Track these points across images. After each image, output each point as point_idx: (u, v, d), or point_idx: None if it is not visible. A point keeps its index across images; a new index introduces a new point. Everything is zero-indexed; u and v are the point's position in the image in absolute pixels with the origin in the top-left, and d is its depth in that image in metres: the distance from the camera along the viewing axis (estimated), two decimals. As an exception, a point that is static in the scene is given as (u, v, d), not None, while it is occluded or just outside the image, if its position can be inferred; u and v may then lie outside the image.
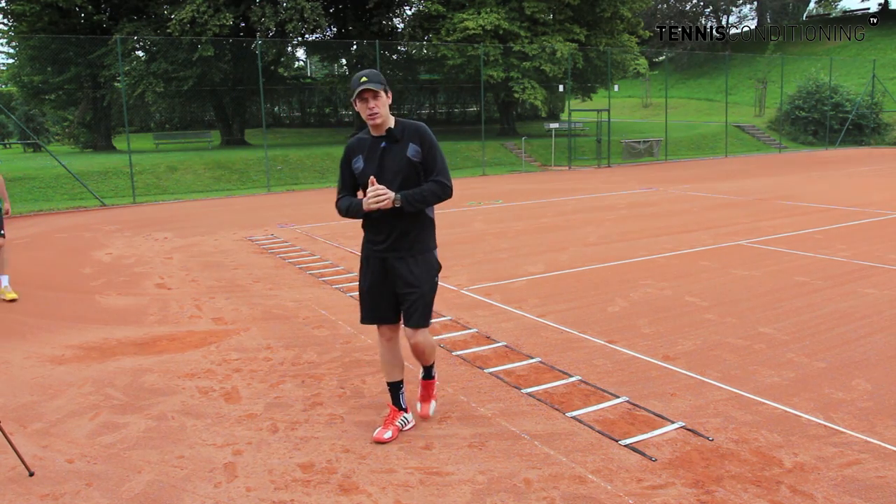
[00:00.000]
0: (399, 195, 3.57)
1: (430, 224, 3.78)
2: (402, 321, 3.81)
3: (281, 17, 23.71)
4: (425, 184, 3.65)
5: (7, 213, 7.19)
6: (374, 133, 3.68)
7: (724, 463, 3.48)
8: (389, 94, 3.65)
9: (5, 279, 7.18)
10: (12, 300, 7.06)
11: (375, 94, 3.56)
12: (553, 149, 24.59)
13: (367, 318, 3.85)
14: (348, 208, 3.70)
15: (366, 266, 3.81)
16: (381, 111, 3.57)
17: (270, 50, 28.54)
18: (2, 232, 6.94)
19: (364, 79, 3.54)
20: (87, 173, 17.85)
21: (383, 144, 3.63)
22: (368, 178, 3.58)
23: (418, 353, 3.84)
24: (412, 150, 3.62)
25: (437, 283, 3.80)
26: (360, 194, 3.77)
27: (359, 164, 3.69)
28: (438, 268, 3.80)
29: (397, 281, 3.70)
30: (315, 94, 38.49)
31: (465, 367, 4.90)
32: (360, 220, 3.79)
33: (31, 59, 26.21)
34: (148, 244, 10.50)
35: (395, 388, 3.95)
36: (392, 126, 3.64)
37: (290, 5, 23.54)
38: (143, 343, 5.68)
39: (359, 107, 3.60)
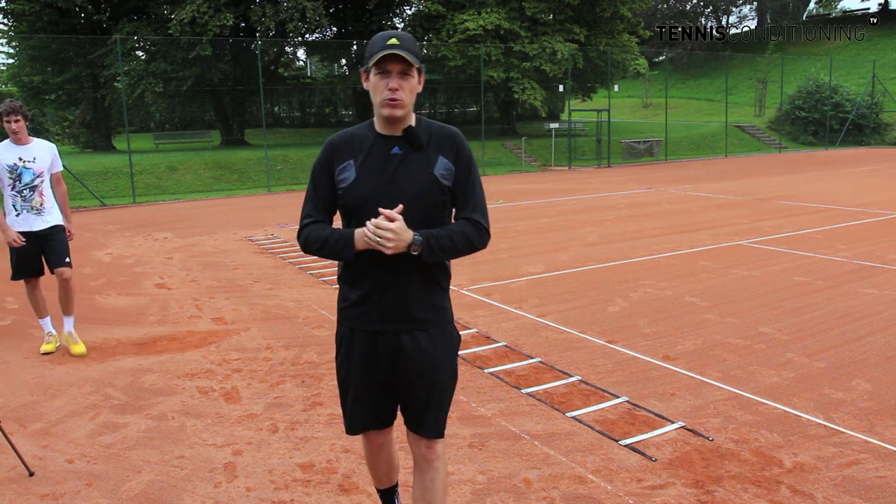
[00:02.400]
0: (418, 237, 2.22)
1: (445, 276, 2.45)
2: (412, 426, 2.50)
3: (281, 17, 23.72)
4: (456, 223, 2.35)
5: (70, 237, 5.55)
6: (381, 129, 2.33)
7: (724, 463, 3.48)
8: (422, 78, 2.33)
9: (70, 322, 5.56)
10: (80, 355, 5.37)
11: (406, 69, 2.24)
12: (553, 149, 24.59)
13: (357, 426, 2.52)
14: (325, 241, 2.31)
15: (348, 347, 2.46)
16: (404, 98, 2.25)
17: (270, 50, 28.57)
18: (67, 259, 5.39)
19: (394, 40, 2.21)
20: (87, 173, 17.84)
21: (396, 150, 2.30)
22: (363, 196, 2.28)
23: (437, 485, 2.49)
24: (442, 165, 2.32)
25: (457, 368, 2.51)
26: (337, 222, 2.40)
27: (349, 174, 2.31)
28: (458, 342, 2.51)
29: (401, 367, 2.39)
30: (315, 94, 38.48)
31: (465, 367, 4.89)
32: (338, 265, 2.50)
33: (31, 59, 26.19)
34: (148, 244, 10.49)
35: (391, 496, 2.76)
36: (413, 125, 2.34)
37: (290, 5, 23.55)
38: (143, 343, 5.68)
39: (372, 82, 2.26)
